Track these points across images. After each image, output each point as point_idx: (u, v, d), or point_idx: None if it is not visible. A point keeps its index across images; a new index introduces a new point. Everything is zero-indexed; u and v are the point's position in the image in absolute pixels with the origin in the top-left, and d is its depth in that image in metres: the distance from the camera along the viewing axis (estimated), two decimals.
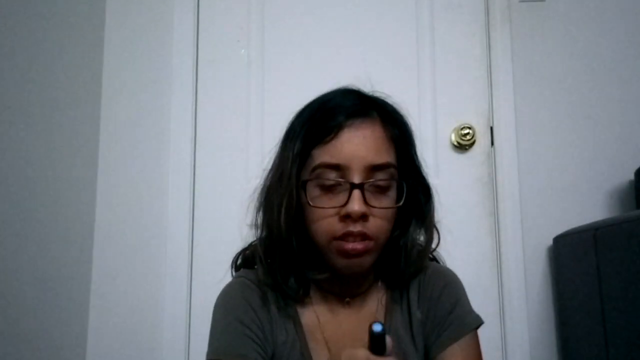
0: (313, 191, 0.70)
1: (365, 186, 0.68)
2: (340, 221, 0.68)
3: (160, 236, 1.57)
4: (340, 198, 0.68)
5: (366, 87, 0.80)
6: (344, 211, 0.67)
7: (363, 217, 0.67)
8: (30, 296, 1.26)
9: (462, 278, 0.82)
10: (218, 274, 0.84)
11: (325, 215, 0.69)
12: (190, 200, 1.60)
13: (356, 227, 0.67)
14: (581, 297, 1.33)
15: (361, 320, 0.76)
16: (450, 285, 0.78)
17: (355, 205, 0.66)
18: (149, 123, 1.62)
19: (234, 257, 0.83)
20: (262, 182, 0.77)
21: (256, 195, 0.77)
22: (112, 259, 1.54)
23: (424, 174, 0.77)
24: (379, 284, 0.79)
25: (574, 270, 1.38)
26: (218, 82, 1.67)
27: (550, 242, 1.53)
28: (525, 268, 1.54)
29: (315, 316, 0.75)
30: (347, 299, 0.76)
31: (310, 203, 0.69)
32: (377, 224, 0.68)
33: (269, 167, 0.77)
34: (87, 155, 1.55)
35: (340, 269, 0.71)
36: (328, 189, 0.69)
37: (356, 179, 0.68)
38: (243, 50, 1.68)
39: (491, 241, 1.57)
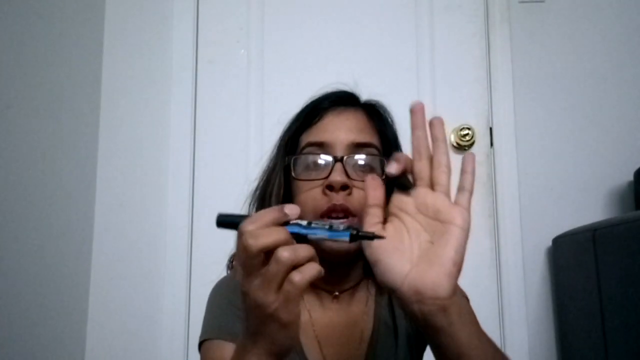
0: (299, 169, 0.74)
1: (348, 160, 0.72)
2: (323, 194, 0.70)
3: (159, 236, 1.57)
4: (324, 173, 0.71)
5: (365, 87, 0.81)
6: (326, 183, 0.70)
7: (345, 189, 0.70)
8: (29, 296, 1.26)
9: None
10: (217, 275, 0.84)
11: (309, 188, 0.72)
12: (189, 200, 1.60)
13: (339, 200, 0.69)
14: (580, 298, 1.33)
15: (351, 316, 0.77)
16: None
17: (337, 175, 0.70)
18: (148, 123, 1.62)
19: (230, 257, 0.84)
20: (257, 182, 0.80)
21: (252, 194, 0.80)
22: (111, 259, 1.54)
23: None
24: (370, 280, 0.79)
25: (573, 271, 1.38)
26: (217, 82, 1.67)
27: (549, 242, 1.53)
28: (525, 269, 1.53)
29: (306, 311, 0.76)
30: (336, 293, 0.77)
31: (294, 176, 0.73)
32: (360, 198, 0.70)
33: (265, 167, 0.81)
34: (87, 155, 1.55)
35: (327, 250, 0.69)
36: (313, 167, 0.73)
37: (338, 154, 0.72)
38: (243, 51, 1.68)
39: (490, 242, 1.57)
